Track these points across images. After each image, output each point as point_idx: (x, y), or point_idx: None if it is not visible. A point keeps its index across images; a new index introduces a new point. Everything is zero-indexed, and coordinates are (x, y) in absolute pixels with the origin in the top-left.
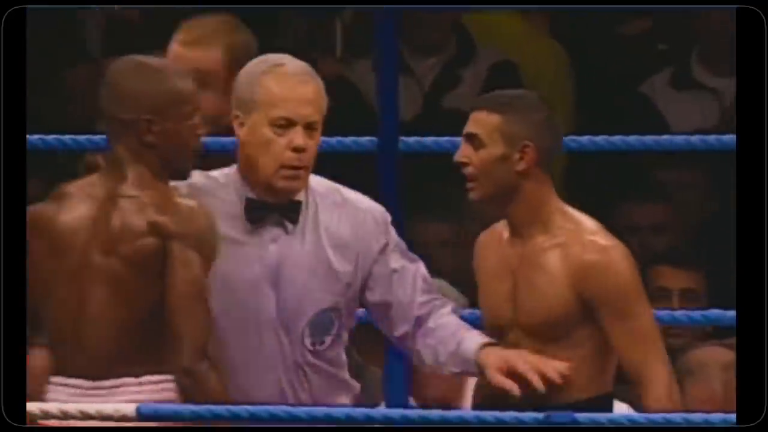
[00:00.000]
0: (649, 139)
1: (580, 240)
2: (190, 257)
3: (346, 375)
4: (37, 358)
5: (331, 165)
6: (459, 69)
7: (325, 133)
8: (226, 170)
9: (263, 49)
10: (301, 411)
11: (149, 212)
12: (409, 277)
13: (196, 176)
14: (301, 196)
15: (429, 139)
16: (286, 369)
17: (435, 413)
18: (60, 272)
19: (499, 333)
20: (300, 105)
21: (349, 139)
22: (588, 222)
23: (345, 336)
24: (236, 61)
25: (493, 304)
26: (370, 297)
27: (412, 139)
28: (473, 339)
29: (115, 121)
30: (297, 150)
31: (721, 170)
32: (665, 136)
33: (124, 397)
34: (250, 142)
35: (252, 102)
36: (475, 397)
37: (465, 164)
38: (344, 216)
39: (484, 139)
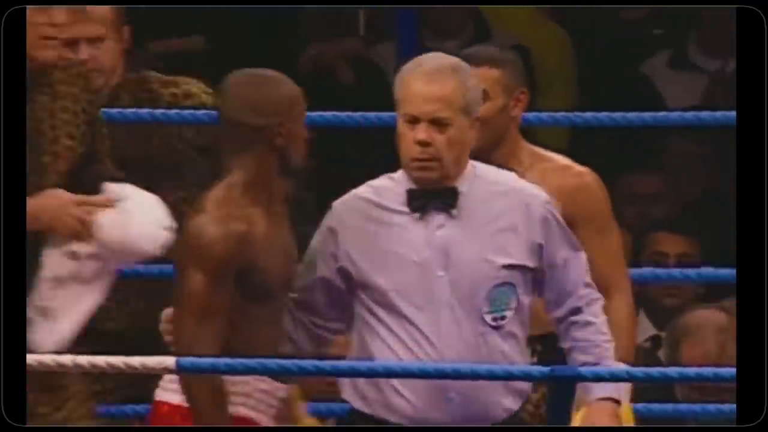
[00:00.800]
0: (647, 115)
1: (557, 168)
2: (190, 273)
3: (523, 349)
4: None
5: (358, 137)
6: None
7: (354, 110)
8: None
9: (287, 29)
10: (326, 364)
11: (186, 225)
12: (573, 267)
13: (383, 179)
14: (463, 185)
15: None
16: (465, 347)
17: (448, 366)
18: None
19: None
20: (424, 102)
21: (372, 115)
22: (559, 156)
23: (526, 312)
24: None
25: None
26: (539, 279)
27: None
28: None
29: (243, 129)
30: (421, 144)
31: (719, 143)
32: (662, 113)
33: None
34: (398, 136)
35: (397, 99)
36: None
37: None
38: (512, 202)
39: (489, 92)
